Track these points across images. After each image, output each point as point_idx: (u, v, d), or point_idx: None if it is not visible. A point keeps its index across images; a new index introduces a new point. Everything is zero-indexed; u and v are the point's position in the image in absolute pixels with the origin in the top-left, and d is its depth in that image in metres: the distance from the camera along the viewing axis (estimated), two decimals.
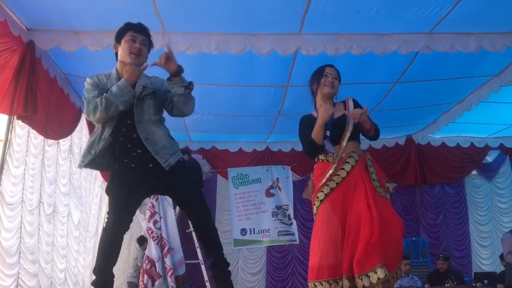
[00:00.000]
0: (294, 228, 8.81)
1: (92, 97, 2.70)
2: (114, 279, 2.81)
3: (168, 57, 2.72)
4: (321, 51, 4.72)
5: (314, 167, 3.19)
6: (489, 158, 9.36)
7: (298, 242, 8.77)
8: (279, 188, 8.95)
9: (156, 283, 7.08)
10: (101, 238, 2.85)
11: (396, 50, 4.78)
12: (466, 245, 8.99)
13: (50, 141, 5.40)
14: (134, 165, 2.79)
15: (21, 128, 4.69)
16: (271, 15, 4.42)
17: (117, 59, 2.89)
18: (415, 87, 6.25)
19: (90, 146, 2.82)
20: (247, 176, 8.92)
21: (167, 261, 7.26)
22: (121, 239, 2.83)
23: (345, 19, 4.52)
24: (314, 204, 3.04)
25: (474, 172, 9.39)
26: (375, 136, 3.12)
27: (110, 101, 2.64)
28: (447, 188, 9.26)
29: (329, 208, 2.92)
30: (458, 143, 9.07)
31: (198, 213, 2.91)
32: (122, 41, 2.81)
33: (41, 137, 5.11)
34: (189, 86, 2.78)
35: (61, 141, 5.72)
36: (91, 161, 2.81)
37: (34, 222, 5.00)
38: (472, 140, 9.05)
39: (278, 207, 8.87)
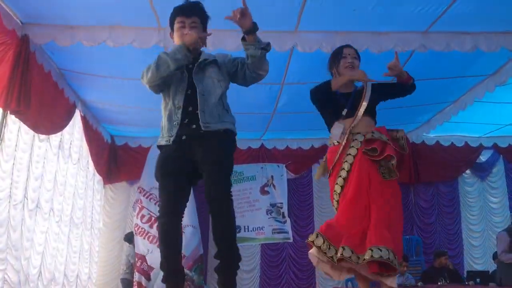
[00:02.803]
0: (288, 226, 8.81)
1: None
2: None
3: (243, 13, 2.50)
4: (317, 48, 4.72)
5: (327, 150, 3.14)
6: (483, 158, 9.40)
7: (292, 240, 8.77)
8: (274, 186, 8.95)
9: (152, 274, 7.06)
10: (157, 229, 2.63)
11: (392, 48, 4.78)
12: (458, 244, 9.03)
13: (42, 136, 5.37)
14: (184, 136, 2.55)
15: (13, 123, 4.67)
16: (268, 12, 4.40)
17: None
18: None
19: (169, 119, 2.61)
20: (241, 174, 8.91)
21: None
22: (178, 226, 2.56)
23: (341, 17, 4.52)
24: (334, 198, 2.99)
25: (467, 171, 9.44)
26: (412, 87, 3.16)
27: (162, 59, 2.52)
28: (441, 187, 9.30)
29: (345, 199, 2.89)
30: (452, 142, 9.11)
31: (214, 187, 2.54)
32: (174, 29, 2.69)
33: (32, 132, 5.08)
34: (266, 48, 2.61)
35: (52, 136, 5.68)
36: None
37: (17, 217, 4.94)
38: (466, 139, 9.09)
39: (273, 205, 8.87)
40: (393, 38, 4.77)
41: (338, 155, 2.95)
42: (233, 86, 2.95)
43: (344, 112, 3.00)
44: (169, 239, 2.52)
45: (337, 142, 3.00)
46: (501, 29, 4.75)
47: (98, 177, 7.92)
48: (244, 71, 2.72)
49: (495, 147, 9.22)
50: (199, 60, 2.68)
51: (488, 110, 7.19)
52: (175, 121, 2.59)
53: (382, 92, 3.16)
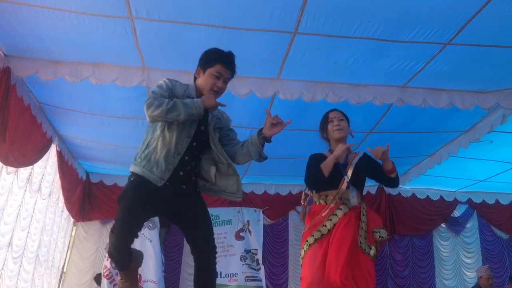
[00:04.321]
0: (262, 273, 8.63)
1: (161, 95, 2.52)
2: None
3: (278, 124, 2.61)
4: (298, 97, 4.80)
5: (310, 207, 3.18)
6: (457, 212, 9.51)
7: None
8: (249, 231, 8.83)
9: None
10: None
11: (371, 101, 4.90)
12: None
13: (10, 169, 5.23)
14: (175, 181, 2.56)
15: None
16: (252, 59, 4.49)
17: (195, 76, 2.76)
18: (388, 138, 6.34)
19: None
20: (217, 217, 8.78)
21: None
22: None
23: (323, 68, 4.63)
24: (303, 248, 3.02)
25: (442, 225, 9.50)
26: (395, 181, 3.12)
27: (176, 107, 2.43)
28: (416, 240, 9.30)
29: (316, 251, 2.92)
30: (428, 195, 9.23)
31: (206, 242, 2.71)
32: (207, 72, 2.65)
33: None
34: (263, 157, 2.74)
35: (20, 169, 5.54)
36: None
37: None
38: (442, 193, 9.22)
39: (247, 251, 8.71)
40: (372, 91, 4.89)
41: (323, 214, 2.99)
42: None
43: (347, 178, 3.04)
44: (131, 223, 2.53)
45: (324, 202, 3.06)
46: (476, 88, 4.93)
47: (66, 214, 7.66)
48: (228, 146, 2.77)
49: (469, 202, 9.35)
50: (210, 116, 2.69)
51: (463, 165, 7.33)
52: (170, 164, 2.55)
53: (369, 167, 3.19)
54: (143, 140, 2.66)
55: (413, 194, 9.22)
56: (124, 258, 2.61)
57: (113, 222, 2.60)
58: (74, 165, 7.46)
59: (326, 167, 2.99)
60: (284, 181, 8.67)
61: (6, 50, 4.45)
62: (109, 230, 2.62)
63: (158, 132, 2.59)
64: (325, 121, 3.28)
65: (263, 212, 8.96)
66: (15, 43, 4.35)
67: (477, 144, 6.10)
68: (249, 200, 8.94)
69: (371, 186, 8.95)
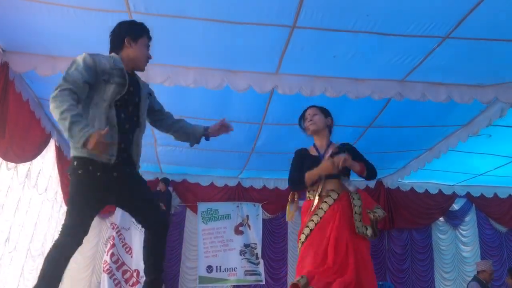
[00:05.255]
0: (261, 268, 8.66)
1: (74, 81, 2.34)
2: None
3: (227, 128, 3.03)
4: (297, 91, 4.80)
5: (303, 204, 3.23)
6: (456, 206, 9.54)
7: (264, 283, 8.61)
8: (249, 226, 8.85)
9: None
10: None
11: (370, 95, 4.90)
12: None
13: (10, 165, 5.23)
14: (114, 161, 2.46)
15: None
16: (250, 53, 4.49)
17: (116, 48, 2.69)
18: (386, 133, 6.38)
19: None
20: (217, 212, 8.80)
21: None
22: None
23: (322, 62, 4.63)
24: (298, 245, 3.08)
25: (441, 219, 9.54)
26: (369, 176, 3.15)
27: (65, 123, 2.23)
28: (415, 233, 9.34)
29: (311, 242, 2.96)
30: (426, 189, 9.26)
31: (157, 216, 2.71)
32: (139, 42, 2.72)
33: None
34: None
35: (20, 165, 5.53)
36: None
37: None
38: (440, 187, 9.25)
39: (246, 246, 8.74)
40: (370, 85, 4.89)
41: (312, 209, 3.05)
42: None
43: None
44: (61, 269, 2.42)
45: (311, 197, 3.12)
46: (474, 82, 4.93)
47: (64, 209, 7.63)
48: (159, 121, 2.96)
49: (468, 195, 9.38)
50: (140, 86, 2.73)
51: (461, 159, 7.34)
52: (114, 139, 2.46)
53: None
54: None
55: (412, 188, 9.25)
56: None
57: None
58: None
59: (310, 177, 3.06)
60: (283, 175, 8.61)
61: (4, 45, 4.44)
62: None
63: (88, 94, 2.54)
64: (301, 118, 3.38)
65: (262, 206, 8.99)
66: (13, 39, 4.34)
67: (476, 138, 6.11)
68: (248, 195, 8.96)
69: (370, 180, 8.96)
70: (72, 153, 2.49)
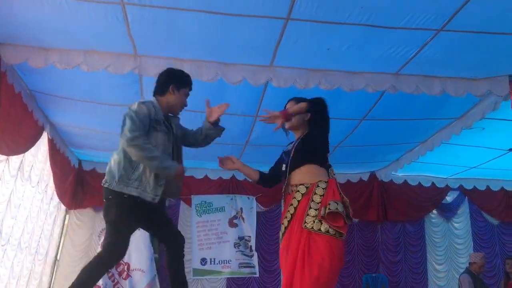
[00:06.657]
0: (255, 260, 8.69)
1: (143, 125, 2.85)
2: None
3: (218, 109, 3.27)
4: (291, 84, 4.79)
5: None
6: (449, 198, 9.60)
7: (258, 275, 8.64)
8: (243, 219, 8.86)
9: None
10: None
11: (364, 88, 4.90)
12: (423, 284, 9.08)
13: (2, 157, 5.19)
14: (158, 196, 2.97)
15: None
16: (244, 46, 4.47)
17: (160, 91, 3.12)
18: (380, 126, 6.39)
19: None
20: (211, 204, 8.81)
21: (126, 284, 7.03)
22: None
23: (316, 55, 4.61)
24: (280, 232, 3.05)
25: (434, 211, 9.60)
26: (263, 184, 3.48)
27: (154, 162, 2.84)
28: (408, 226, 9.41)
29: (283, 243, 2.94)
30: (419, 182, 9.31)
31: (177, 236, 3.19)
32: (181, 91, 3.12)
33: None
34: (220, 132, 3.48)
35: (12, 157, 5.49)
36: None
37: None
38: (433, 180, 9.30)
39: (241, 238, 8.76)
40: (364, 78, 4.88)
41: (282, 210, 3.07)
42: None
43: (283, 168, 3.14)
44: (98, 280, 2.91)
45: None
46: (468, 75, 4.94)
47: (56, 202, 7.58)
48: (195, 140, 3.43)
49: (461, 188, 9.45)
50: (173, 127, 3.22)
51: (454, 152, 7.38)
52: (161, 180, 2.93)
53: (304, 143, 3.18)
54: (119, 160, 2.97)
55: (405, 181, 9.28)
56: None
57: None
58: (66, 152, 7.42)
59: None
60: None
61: None
62: (102, 217, 2.84)
63: None
64: None
65: (256, 199, 9.00)
66: (5, 30, 4.29)
67: (469, 131, 6.14)
68: (242, 188, 8.96)
69: (363, 173, 9.01)
70: (122, 189, 2.89)
